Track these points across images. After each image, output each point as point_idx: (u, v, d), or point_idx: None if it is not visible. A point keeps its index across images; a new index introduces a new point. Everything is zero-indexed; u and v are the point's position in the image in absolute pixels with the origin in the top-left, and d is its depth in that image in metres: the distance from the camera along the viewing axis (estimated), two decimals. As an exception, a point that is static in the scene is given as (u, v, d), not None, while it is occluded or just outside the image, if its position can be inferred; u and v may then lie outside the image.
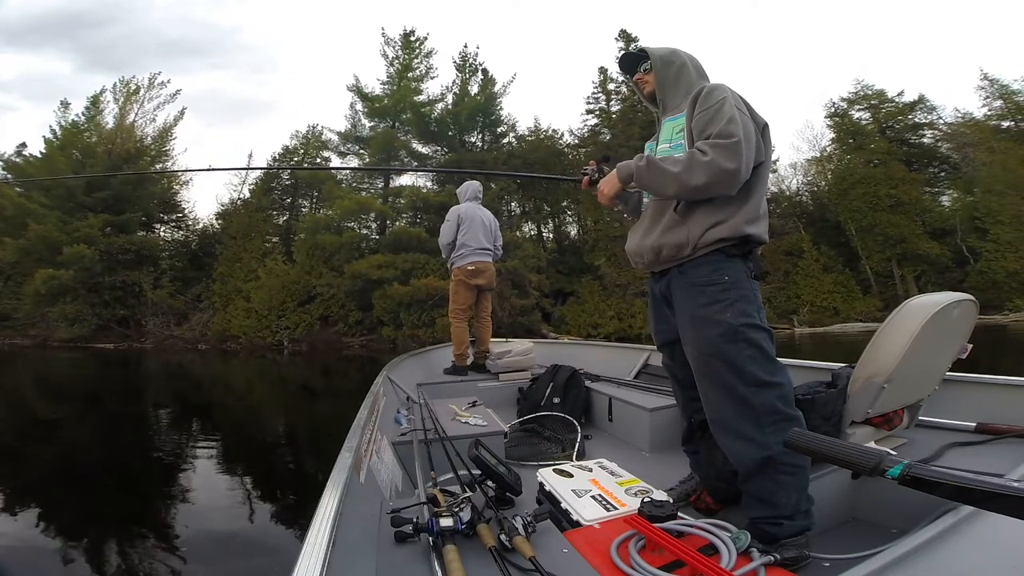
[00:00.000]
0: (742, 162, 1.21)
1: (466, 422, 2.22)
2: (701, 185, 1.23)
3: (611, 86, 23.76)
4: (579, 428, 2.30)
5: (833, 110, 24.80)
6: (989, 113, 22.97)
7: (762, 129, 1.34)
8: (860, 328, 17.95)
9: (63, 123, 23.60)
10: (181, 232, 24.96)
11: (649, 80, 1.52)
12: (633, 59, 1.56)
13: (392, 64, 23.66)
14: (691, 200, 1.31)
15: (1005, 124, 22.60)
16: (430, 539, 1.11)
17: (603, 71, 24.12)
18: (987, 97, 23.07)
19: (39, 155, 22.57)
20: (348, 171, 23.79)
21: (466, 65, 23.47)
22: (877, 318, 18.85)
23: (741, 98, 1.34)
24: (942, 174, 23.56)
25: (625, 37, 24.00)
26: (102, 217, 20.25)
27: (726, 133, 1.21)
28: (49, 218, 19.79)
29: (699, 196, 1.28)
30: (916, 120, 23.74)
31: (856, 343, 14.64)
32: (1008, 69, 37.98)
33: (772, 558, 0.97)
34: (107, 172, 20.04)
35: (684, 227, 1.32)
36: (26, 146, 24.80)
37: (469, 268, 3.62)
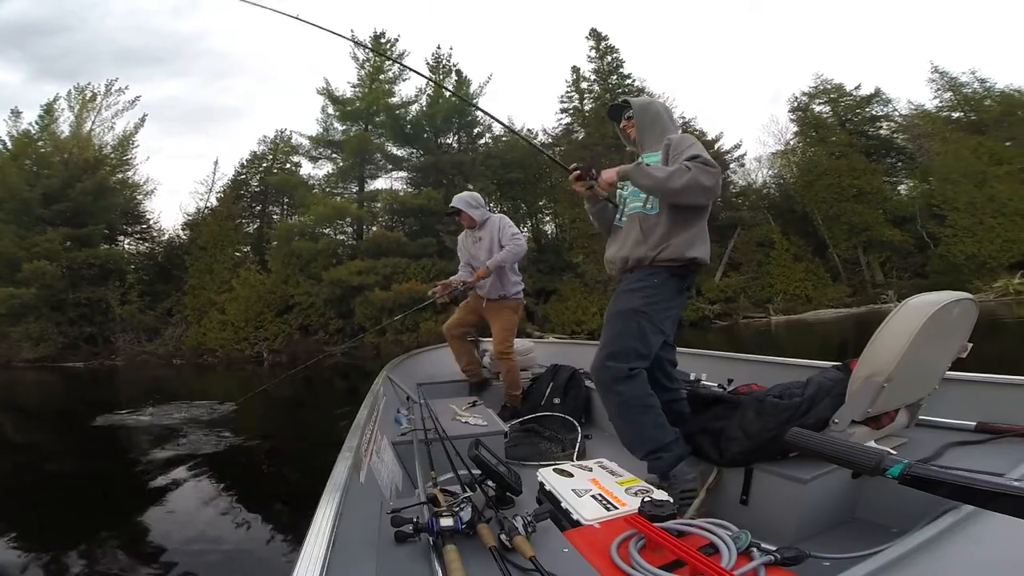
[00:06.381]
0: (716, 184, 1.51)
1: (466, 422, 2.21)
2: (678, 188, 1.51)
3: (584, 85, 23.98)
4: (579, 428, 2.32)
5: (795, 104, 25.60)
6: (940, 105, 24.10)
7: None
8: (832, 315, 18.56)
9: (14, 132, 22.41)
10: (147, 244, 24.04)
11: (632, 125, 1.84)
12: (618, 109, 1.90)
13: (363, 67, 23.32)
14: (670, 201, 1.61)
15: (955, 115, 23.69)
16: (430, 539, 1.11)
17: (576, 70, 24.32)
18: (938, 89, 24.22)
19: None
20: (321, 178, 23.38)
21: (440, 66, 23.32)
22: (847, 304, 19.55)
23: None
24: (899, 164, 24.51)
25: (595, 36, 24.25)
26: (62, 231, 19.32)
27: (707, 160, 1.51)
28: (4, 233, 18.82)
29: (673, 200, 1.58)
30: (873, 113, 24.65)
31: (828, 330, 15.21)
32: (956, 62, 39.89)
33: (772, 558, 0.96)
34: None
35: (644, 245, 1.67)
36: (-27, 157, 23.53)
37: (523, 300, 3.20)
